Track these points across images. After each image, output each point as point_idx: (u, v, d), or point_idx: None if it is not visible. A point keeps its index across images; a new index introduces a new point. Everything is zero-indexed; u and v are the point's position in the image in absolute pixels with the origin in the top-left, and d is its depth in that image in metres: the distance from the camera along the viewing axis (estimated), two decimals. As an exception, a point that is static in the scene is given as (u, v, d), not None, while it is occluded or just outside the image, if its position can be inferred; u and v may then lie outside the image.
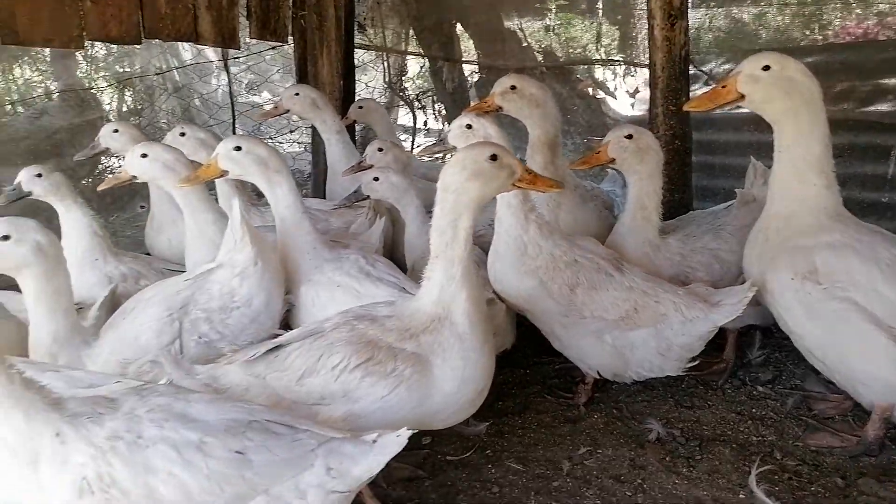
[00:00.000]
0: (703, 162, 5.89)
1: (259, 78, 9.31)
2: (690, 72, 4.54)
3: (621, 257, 3.28)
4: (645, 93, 7.58)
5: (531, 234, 3.09)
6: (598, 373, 3.22)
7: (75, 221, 3.64)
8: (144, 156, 3.35)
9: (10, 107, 6.68)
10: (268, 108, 9.50)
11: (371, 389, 2.39)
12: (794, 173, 2.87)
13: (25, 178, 3.59)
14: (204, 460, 1.93)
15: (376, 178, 3.76)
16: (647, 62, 4.57)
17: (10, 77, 7.32)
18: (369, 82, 8.71)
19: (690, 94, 4.47)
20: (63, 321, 2.77)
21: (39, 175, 3.59)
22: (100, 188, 3.57)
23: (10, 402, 1.84)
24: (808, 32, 7.08)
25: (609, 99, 7.77)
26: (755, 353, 3.67)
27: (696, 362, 3.11)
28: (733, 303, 2.96)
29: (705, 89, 3.77)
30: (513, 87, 3.66)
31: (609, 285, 3.05)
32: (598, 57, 7.74)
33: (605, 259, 3.16)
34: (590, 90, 7.83)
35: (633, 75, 7.81)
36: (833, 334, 2.71)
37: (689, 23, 4.45)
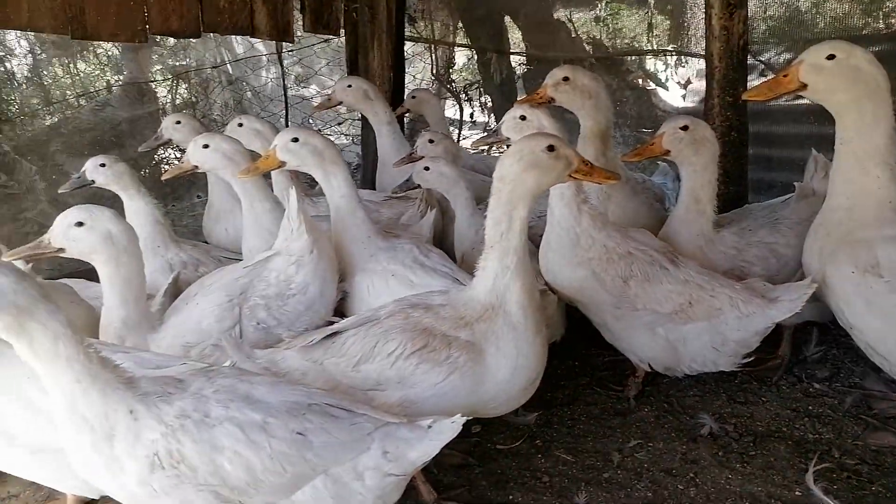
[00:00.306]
0: (760, 154, 5.74)
1: (308, 71, 9.46)
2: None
3: (675, 250, 3.25)
4: (697, 84, 7.44)
5: (584, 226, 3.09)
6: (650, 365, 3.20)
7: (138, 210, 3.78)
8: (206, 146, 3.46)
9: (74, 100, 6.95)
10: (319, 100, 9.67)
11: (425, 376, 2.43)
12: (856, 166, 2.80)
13: (90, 167, 3.75)
14: (267, 440, 2.00)
15: (427, 168, 3.79)
16: (699, 52, 4.51)
17: (74, 71, 7.60)
18: (417, 74, 8.75)
19: (748, 84, 4.37)
20: (134, 307, 2.89)
21: (103, 165, 3.74)
22: (163, 177, 3.70)
23: (89, 379, 1.94)
24: (869, 20, 6.82)
25: (660, 90, 7.64)
26: (812, 349, 3.58)
27: (751, 358, 3.06)
28: (792, 299, 2.91)
29: (762, 80, 3.67)
30: (565, 79, 3.65)
31: (663, 278, 3.03)
32: (649, 47, 7.61)
33: (660, 252, 3.13)
34: (640, 81, 7.71)
35: (684, 66, 7.66)
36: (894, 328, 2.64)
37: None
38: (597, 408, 3.36)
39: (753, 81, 5.73)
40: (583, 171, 2.55)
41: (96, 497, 2.54)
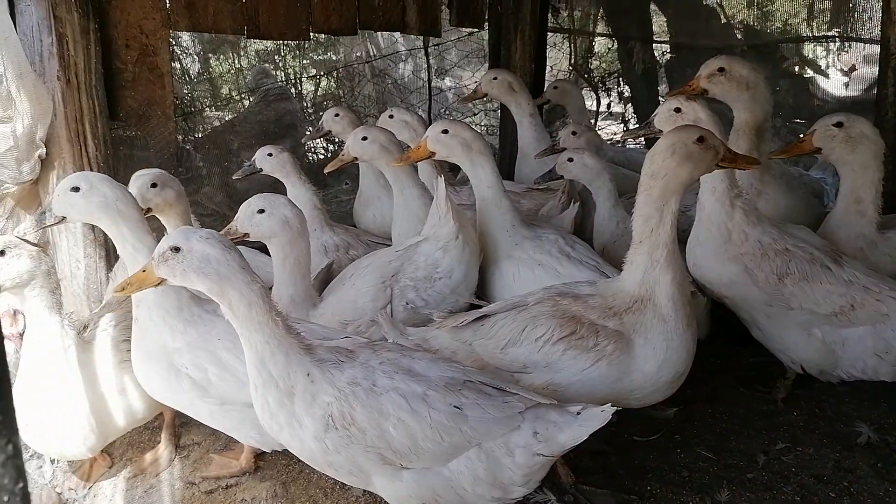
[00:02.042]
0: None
1: (447, 63, 9.72)
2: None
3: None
4: (863, 71, 6.84)
5: (736, 221, 3.01)
6: (802, 368, 3.07)
7: (299, 195, 4.13)
8: (365, 138, 3.72)
9: (237, 95, 7.63)
10: (455, 92, 9.88)
11: (572, 362, 2.51)
12: None
13: (259, 156, 4.13)
14: (427, 410, 2.18)
15: (570, 160, 3.84)
16: (864, 38, 4.17)
17: (240, 67, 8.32)
18: (554, 65, 8.72)
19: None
20: (301, 284, 3.20)
21: (270, 154, 4.11)
22: (326, 170, 4.02)
23: (276, 342, 2.21)
24: None
25: (819, 78, 7.11)
26: None
27: None
28: None
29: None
30: (720, 70, 3.53)
31: (824, 277, 2.89)
32: (808, 32, 7.10)
33: (821, 250, 2.99)
34: (796, 68, 7.22)
35: (847, 51, 7.08)
36: None
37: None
38: (740, 408, 3.28)
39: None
40: (728, 158, 2.52)
41: (268, 450, 2.86)
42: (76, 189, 2.63)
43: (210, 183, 5.33)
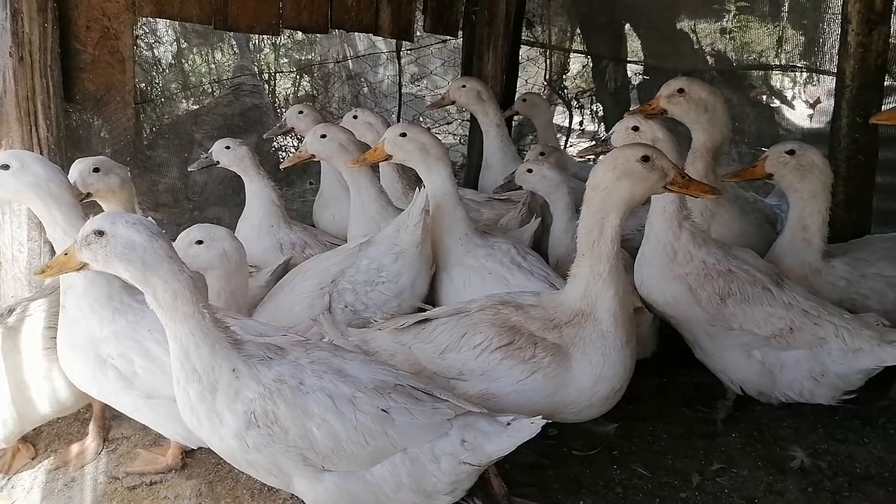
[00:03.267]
0: (890, 184, 5.34)
1: (423, 70, 9.73)
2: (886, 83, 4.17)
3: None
4: (827, 104, 6.98)
5: (682, 242, 3.03)
6: (742, 389, 3.09)
7: (257, 191, 4.06)
8: (323, 136, 3.67)
9: (209, 86, 7.53)
10: (432, 99, 9.85)
11: (508, 372, 2.49)
12: None
13: (216, 149, 4.06)
14: (354, 412, 2.13)
15: (530, 171, 3.83)
16: (833, 70, 4.25)
17: (210, 60, 8.23)
18: (529, 79, 8.78)
19: (882, 107, 4.09)
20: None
21: (228, 147, 4.04)
22: (282, 166, 3.96)
23: (201, 334, 2.14)
24: None
25: (785, 108, 7.24)
26: (929, 395, 3.32)
27: (853, 395, 2.89)
28: None
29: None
30: (680, 91, 3.56)
31: (764, 299, 2.91)
32: (778, 62, 7.23)
33: (764, 272, 3.02)
34: (763, 98, 7.35)
35: (814, 84, 7.22)
36: None
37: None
38: (681, 427, 3.28)
39: (890, 104, 5.35)
40: (679, 183, 2.51)
41: (194, 447, 2.78)
42: (6, 167, 2.54)
43: (168, 173, 5.22)
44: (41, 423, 2.96)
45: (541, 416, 2.20)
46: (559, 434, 3.17)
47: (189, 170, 4.31)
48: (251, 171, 4.06)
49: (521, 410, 2.42)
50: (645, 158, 2.44)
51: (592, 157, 3.47)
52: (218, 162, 4.06)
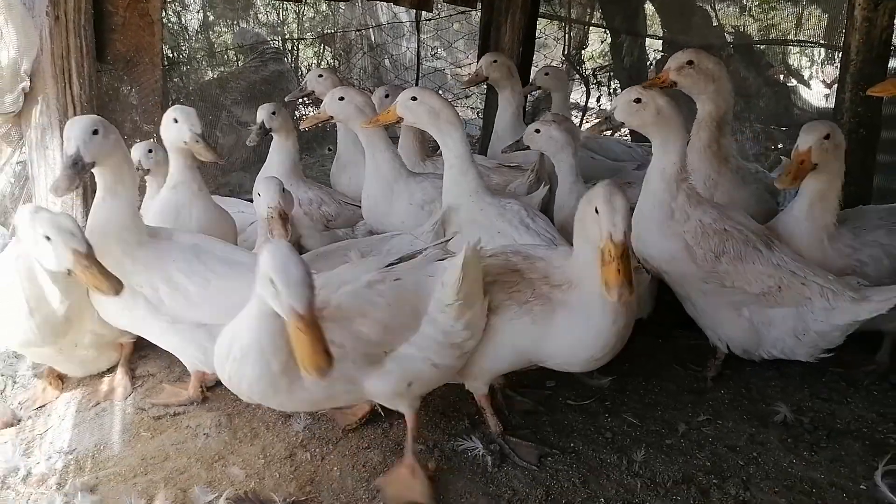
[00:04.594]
0: (891, 162, 5.39)
1: (444, 43, 9.82)
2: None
3: (776, 236, 3.24)
4: (844, 83, 6.99)
5: (679, 202, 3.15)
6: (728, 346, 3.23)
7: (287, 150, 4.26)
8: (342, 98, 3.84)
9: (233, 55, 7.73)
10: (452, 73, 9.92)
11: (505, 308, 2.66)
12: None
13: (265, 115, 4.23)
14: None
15: (538, 130, 3.93)
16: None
17: (235, 27, 8.41)
18: (547, 53, 8.85)
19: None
20: None
21: (274, 113, 4.24)
22: (302, 126, 4.14)
23: None
24: None
25: (801, 87, 7.26)
26: (912, 359, 3.45)
27: (831, 354, 3.01)
28: (881, 300, 2.83)
29: (904, 78, 3.50)
30: (689, 62, 3.67)
31: (756, 259, 3.04)
32: (796, 40, 7.24)
33: (756, 233, 3.14)
34: (781, 77, 7.37)
35: (832, 64, 7.23)
36: None
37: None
38: (672, 384, 3.44)
39: None
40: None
41: (209, 371, 2.98)
42: (95, 132, 2.78)
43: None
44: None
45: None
46: (556, 385, 3.34)
47: (248, 144, 4.42)
48: (284, 131, 4.25)
49: (508, 345, 2.68)
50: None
51: (597, 133, 3.52)
52: (271, 129, 4.23)
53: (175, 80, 6.27)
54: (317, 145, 6.73)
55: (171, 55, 6.44)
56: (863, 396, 3.27)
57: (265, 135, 4.23)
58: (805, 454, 2.84)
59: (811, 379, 3.41)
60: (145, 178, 3.96)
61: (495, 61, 5.05)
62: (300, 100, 5.39)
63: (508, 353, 2.72)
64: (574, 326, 2.59)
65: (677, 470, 2.77)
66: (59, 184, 2.73)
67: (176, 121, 3.47)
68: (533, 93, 6.02)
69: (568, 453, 2.89)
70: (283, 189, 3.38)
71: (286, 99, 4.90)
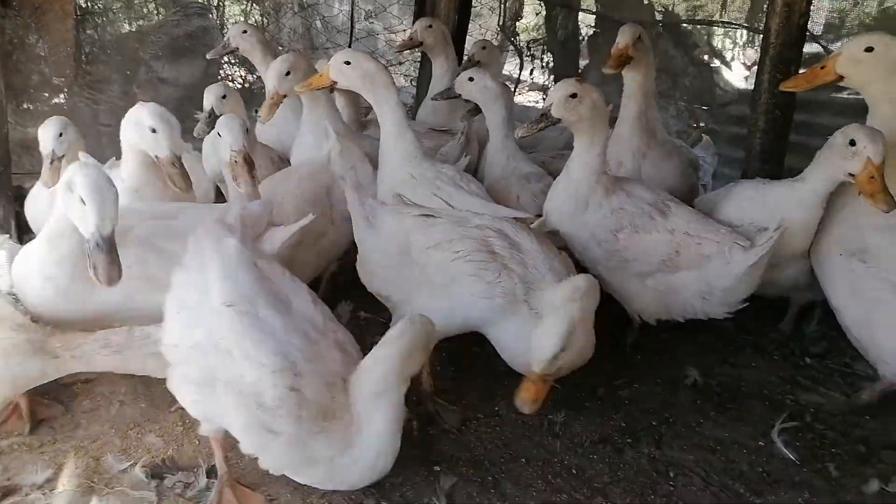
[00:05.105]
0: (803, 143, 5.69)
1: (378, 7, 9.61)
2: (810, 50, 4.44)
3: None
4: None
5: (597, 196, 3.20)
6: (640, 316, 3.36)
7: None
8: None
9: (154, 7, 7.31)
10: (386, 37, 9.72)
11: (471, 284, 2.73)
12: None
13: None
14: None
15: (471, 79, 3.87)
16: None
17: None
18: (483, 23, 8.81)
19: (801, 66, 4.36)
20: None
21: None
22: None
23: None
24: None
25: (724, 68, 7.54)
26: (812, 327, 3.68)
27: (745, 304, 3.10)
28: (761, 242, 2.96)
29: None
30: (640, 38, 3.75)
31: (652, 228, 3.14)
32: (721, 21, 7.49)
33: (651, 203, 3.21)
34: (706, 57, 7.62)
35: (753, 47, 7.53)
36: (869, 311, 2.82)
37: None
38: (595, 352, 3.55)
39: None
40: None
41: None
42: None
43: (110, 91, 5.13)
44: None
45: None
46: (482, 351, 3.39)
47: (208, 57, 4.36)
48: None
49: (466, 318, 2.76)
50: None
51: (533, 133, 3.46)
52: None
53: (89, 31, 5.88)
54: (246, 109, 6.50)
55: (84, 4, 6.04)
56: (766, 361, 3.48)
57: (214, 123, 3.81)
58: (712, 415, 3.02)
59: (721, 346, 3.60)
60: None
61: (430, 26, 4.97)
62: (224, 58, 5.17)
63: (460, 323, 2.80)
64: (518, 339, 2.65)
65: (595, 431, 2.89)
66: None
67: (154, 130, 2.95)
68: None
69: (491, 416, 2.96)
70: (248, 129, 3.14)
71: (208, 56, 4.67)
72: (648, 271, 3.18)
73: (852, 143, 2.80)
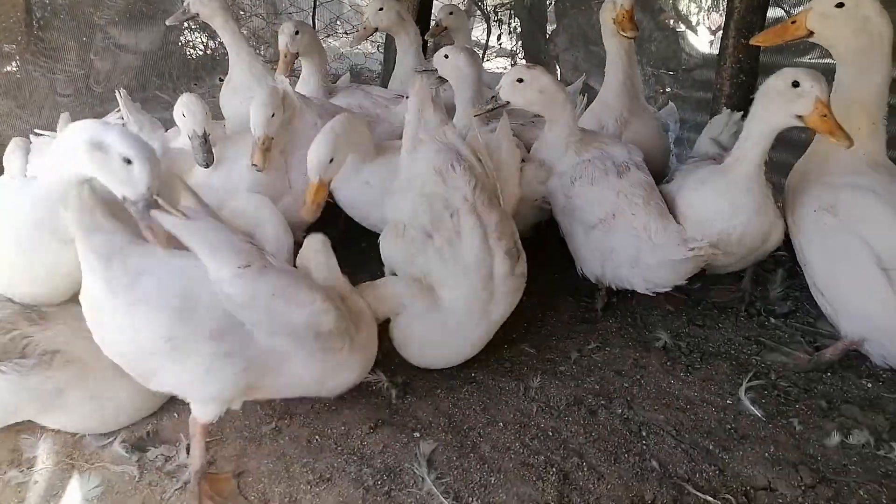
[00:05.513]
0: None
1: (342, -30, 9.36)
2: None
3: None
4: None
5: (568, 156, 3.39)
6: (582, 270, 3.44)
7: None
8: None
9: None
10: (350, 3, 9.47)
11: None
12: (843, 113, 2.90)
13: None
14: None
15: (446, 56, 3.85)
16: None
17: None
18: (449, -11, 8.66)
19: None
20: None
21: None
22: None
23: None
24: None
25: (689, 33, 7.58)
26: (776, 288, 3.80)
27: (668, 288, 3.14)
28: (695, 244, 2.91)
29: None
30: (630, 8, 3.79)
31: (604, 184, 3.21)
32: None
33: (616, 161, 3.29)
34: (671, 22, 7.65)
35: (718, 11, 7.58)
36: (835, 265, 2.88)
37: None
38: (566, 315, 3.63)
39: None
40: None
41: None
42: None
43: (66, 59, 4.94)
44: None
45: None
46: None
47: (168, 23, 4.23)
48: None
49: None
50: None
51: (485, 116, 3.56)
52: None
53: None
54: (206, 75, 6.32)
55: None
56: (732, 322, 3.59)
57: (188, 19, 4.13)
58: (681, 375, 3.11)
59: (689, 309, 3.70)
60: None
61: (381, 9, 4.79)
62: (184, 24, 5.01)
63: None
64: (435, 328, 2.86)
65: (569, 393, 2.96)
66: None
67: (129, 161, 2.75)
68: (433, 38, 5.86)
69: (468, 382, 3.01)
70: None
71: (167, 22, 4.51)
72: (590, 223, 3.24)
73: (795, 84, 2.77)
